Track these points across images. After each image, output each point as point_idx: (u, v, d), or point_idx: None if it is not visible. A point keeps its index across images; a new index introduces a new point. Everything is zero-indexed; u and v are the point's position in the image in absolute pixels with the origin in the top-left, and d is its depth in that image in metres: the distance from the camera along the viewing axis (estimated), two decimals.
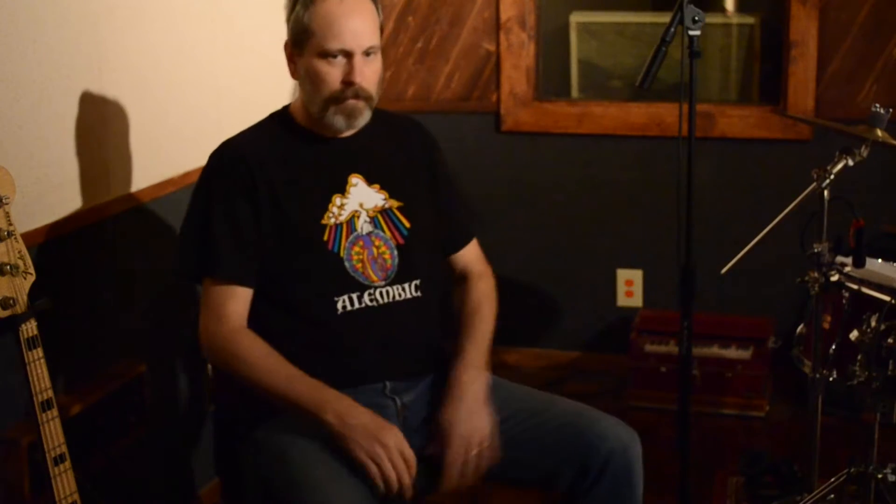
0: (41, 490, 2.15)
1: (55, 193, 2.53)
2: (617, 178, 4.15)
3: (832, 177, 2.68)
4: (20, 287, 2.00)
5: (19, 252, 2.00)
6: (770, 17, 4.22)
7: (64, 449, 2.05)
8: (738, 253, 2.90)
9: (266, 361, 2.27)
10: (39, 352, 2.01)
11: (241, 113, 3.29)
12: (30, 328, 2.01)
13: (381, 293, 2.37)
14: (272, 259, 2.34)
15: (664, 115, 4.02)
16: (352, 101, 2.33)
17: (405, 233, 2.43)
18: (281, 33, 3.51)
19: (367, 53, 2.33)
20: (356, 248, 2.37)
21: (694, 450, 2.86)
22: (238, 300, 2.32)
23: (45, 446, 2.03)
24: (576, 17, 4.42)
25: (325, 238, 2.35)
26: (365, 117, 2.38)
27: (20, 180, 2.09)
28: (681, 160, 2.61)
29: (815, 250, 2.71)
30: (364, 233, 2.39)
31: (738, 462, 3.41)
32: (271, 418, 2.30)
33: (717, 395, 3.85)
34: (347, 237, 2.37)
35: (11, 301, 1.98)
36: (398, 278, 2.40)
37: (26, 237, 2.20)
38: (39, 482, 2.17)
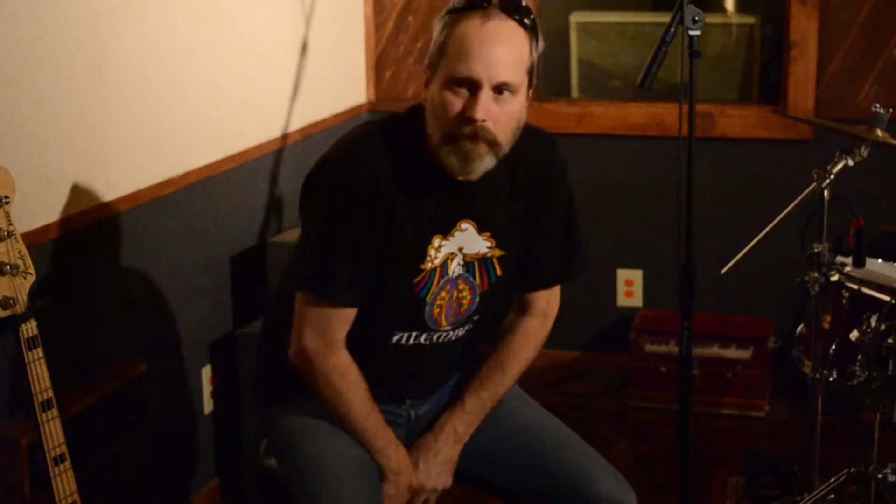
0: (41, 490, 2.15)
1: (55, 193, 2.53)
2: (617, 178, 4.15)
3: (832, 177, 2.68)
4: (20, 287, 1.99)
5: (19, 252, 1.99)
6: (770, 17, 4.22)
7: (64, 449, 2.05)
8: (738, 253, 2.90)
9: (364, 406, 2.20)
10: (39, 352, 2.01)
11: (241, 113, 3.30)
12: (30, 328, 2.01)
13: (438, 335, 2.26)
14: None
15: (664, 115, 4.02)
16: (468, 143, 2.02)
17: (494, 280, 2.24)
18: (280, 33, 3.53)
19: (499, 90, 2.01)
20: (442, 293, 2.19)
21: (694, 450, 2.86)
22: (346, 324, 2.17)
23: (45, 446, 2.03)
24: (576, 17, 4.42)
25: (416, 281, 2.16)
26: (485, 164, 2.05)
27: (20, 180, 2.09)
28: (681, 160, 2.61)
29: (815, 250, 2.71)
30: (454, 276, 2.19)
31: (738, 462, 3.41)
32: (297, 406, 2.28)
33: (717, 395, 3.85)
34: (438, 281, 2.18)
35: (11, 301, 1.98)
36: (464, 321, 2.26)
37: (26, 237, 2.20)
38: (39, 482, 2.18)
